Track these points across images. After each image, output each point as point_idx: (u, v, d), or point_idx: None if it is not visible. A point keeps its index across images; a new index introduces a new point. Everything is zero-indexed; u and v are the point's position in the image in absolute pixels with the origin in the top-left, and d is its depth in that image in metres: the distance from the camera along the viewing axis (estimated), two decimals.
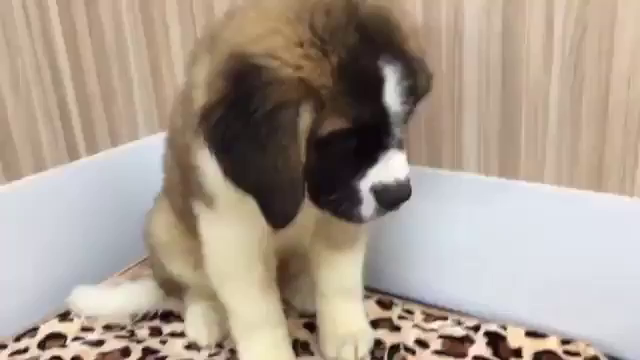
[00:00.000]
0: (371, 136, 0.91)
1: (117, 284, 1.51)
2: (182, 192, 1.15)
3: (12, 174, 1.43)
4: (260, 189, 0.92)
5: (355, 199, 0.93)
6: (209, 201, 1.06)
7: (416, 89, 0.92)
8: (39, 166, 1.48)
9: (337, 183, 0.94)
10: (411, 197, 0.95)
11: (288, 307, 1.29)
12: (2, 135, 1.41)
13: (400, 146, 0.94)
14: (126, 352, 1.30)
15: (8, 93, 1.40)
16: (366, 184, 0.93)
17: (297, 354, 1.23)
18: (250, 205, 0.95)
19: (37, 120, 1.47)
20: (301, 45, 0.86)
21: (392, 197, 0.93)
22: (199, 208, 1.10)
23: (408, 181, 0.94)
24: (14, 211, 1.43)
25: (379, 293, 1.44)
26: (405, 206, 1.34)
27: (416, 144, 1.36)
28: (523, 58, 1.19)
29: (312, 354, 1.26)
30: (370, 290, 1.39)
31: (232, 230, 1.05)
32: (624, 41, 1.09)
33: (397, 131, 0.92)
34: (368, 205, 0.94)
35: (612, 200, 1.19)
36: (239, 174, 0.91)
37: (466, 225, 1.36)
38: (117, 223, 1.63)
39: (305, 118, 0.86)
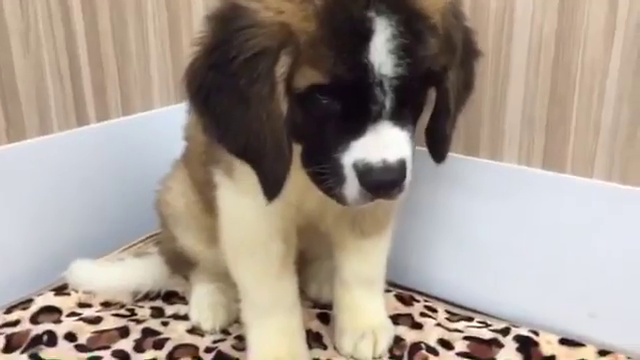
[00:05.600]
0: (355, 100, 0.80)
1: (119, 259, 1.45)
2: (204, 161, 1.08)
3: (16, 134, 1.36)
4: (246, 148, 0.85)
5: (339, 175, 0.83)
6: (229, 168, 0.99)
7: (423, 57, 0.80)
8: (45, 128, 1.41)
9: (323, 152, 0.84)
10: (409, 183, 0.84)
11: (301, 295, 1.20)
12: (8, 92, 1.33)
13: (398, 120, 0.82)
14: (125, 332, 1.23)
15: (17, 47, 1.32)
16: (349, 159, 0.82)
17: (309, 346, 1.15)
18: None
19: (46, 79, 1.39)
20: None
21: (375, 180, 0.81)
22: (219, 177, 1.04)
23: (400, 164, 0.81)
24: (13, 173, 1.36)
25: (399, 288, 1.35)
26: (434, 196, 1.32)
27: None
28: (581, 35, 1.10)
29: (325, 347, 1.18)
30: (390, 284, 1.30)
31: (251, 201, 0.95)
32: None
33: (389, 100, 0.80)
34: (351, 185, 0.83)
35: None
36: (221, 131, 0.86)
37: (502, 220, 1.27)
38: (123, 196, 1.56)
39: (281, 66, 0.79)
